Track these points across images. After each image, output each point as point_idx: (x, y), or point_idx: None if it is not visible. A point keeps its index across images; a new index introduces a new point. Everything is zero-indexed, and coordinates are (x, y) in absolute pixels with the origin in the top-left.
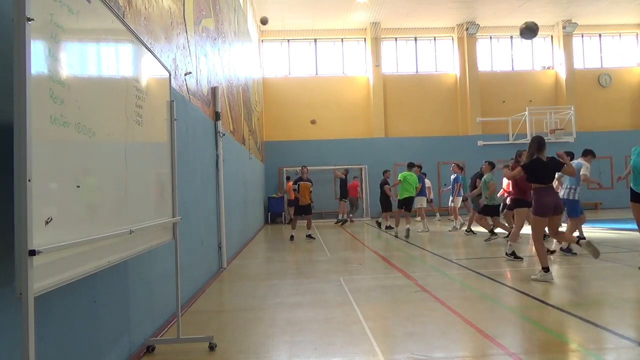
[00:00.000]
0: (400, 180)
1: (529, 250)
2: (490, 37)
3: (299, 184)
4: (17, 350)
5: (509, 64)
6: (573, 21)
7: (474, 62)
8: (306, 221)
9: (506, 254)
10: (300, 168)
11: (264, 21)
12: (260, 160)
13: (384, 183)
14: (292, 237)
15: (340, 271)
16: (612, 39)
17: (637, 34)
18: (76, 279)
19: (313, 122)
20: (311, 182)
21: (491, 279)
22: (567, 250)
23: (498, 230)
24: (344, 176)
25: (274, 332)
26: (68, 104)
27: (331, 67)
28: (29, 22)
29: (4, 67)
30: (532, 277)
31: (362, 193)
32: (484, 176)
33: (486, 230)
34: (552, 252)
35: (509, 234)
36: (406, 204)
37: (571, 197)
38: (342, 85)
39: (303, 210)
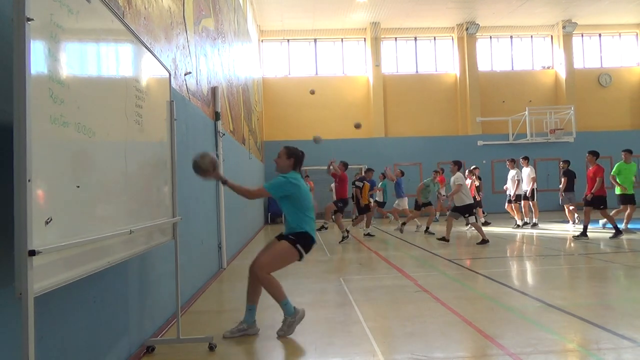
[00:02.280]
0: (614, 175)
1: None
2: (490, 37)
3: (363, 183)
4: (17, 350)
5: (508, 64)
6: (573, 21)
7: (474, 62)
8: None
9: None
10: (363, 167)
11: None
12: (260, 160)
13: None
14: (370, 235)
15: (340, 271)
16: (612, 39)
17: (637, 34)
18: (76, 279)
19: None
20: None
21: (491, 279)
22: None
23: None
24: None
25: (274, 332)
26: (68, 104)
27: (331, 67)
28: (29, 22)
29: (4, 67)
30: None
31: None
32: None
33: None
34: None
35: None
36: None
37: None
38: (342, 85)
39: (366, 209)
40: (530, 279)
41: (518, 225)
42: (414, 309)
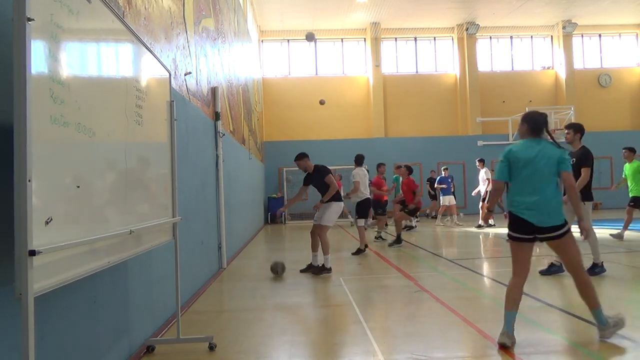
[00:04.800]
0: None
1: None
2: (490, 37)
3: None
4: (17, 350)
5: (508, 64)
6: (573, 21)
7: (474, 62)
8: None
9: None
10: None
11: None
12: (260, 160)
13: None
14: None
15: (340, 271)
16: (612, 39)
17: (637, 34)
18: (76, 279)
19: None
20: None
21: (491, 279)
22: None
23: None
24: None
25: (274, 332)
26: (68, 104)
27: (331, 67)
28: (29, 22)
29: (4, 67)
30: None
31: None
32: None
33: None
34: None
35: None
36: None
37: None
38: (342, 86)
39: None
40: (530, 279)
41: (480, 225)
42: (414, 309)
